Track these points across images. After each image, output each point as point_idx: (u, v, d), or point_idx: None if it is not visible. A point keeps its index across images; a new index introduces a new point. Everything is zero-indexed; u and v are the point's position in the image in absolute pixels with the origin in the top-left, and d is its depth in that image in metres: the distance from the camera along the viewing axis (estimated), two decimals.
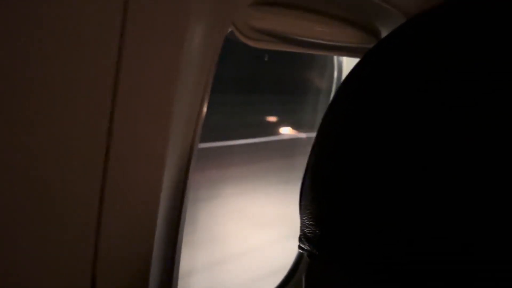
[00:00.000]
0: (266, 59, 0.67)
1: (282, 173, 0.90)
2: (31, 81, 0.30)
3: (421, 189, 0.20)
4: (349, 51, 0.61)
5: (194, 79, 0.40)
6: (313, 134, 0.91)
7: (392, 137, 0.21)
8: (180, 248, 0.48)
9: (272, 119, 0.88)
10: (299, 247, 0.27)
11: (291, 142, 0.93)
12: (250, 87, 0.79)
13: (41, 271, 0.35)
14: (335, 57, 0.83)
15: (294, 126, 0.92)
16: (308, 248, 0.26)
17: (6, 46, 0.28)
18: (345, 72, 0.83)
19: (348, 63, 0.82)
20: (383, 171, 0.21)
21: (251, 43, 0.45)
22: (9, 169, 0.31)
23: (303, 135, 0.93)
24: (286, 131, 0.91)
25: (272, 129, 0.89)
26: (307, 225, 0.26)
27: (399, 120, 0.21)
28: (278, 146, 0.91)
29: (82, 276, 0.37)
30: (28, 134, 0.31)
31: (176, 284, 0.49)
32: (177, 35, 0.36)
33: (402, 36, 0.25)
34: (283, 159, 0.92)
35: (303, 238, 0.27)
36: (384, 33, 0.62)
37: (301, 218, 0.28)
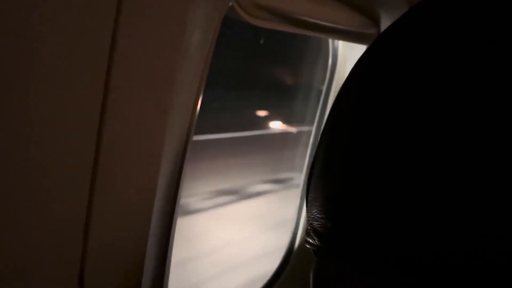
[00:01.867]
0: (262, 42, 0.65)
1: (269, 167, 0.89)
2: (21, 66, 0.28)
3: (441, 182, 0.19)
4: (348, 36, 0.60)
5: (194, 59, 0.39)
6: (304, 128, 0.90)
7: (407, 125, 0.20)
8: (173, 238, 0.47)
9: (263, 112, 0.87)
10: (306, 241, 0.26)
11: (281, 136, 0.92)
12: (240, 80, 0.77)
13: (31, 257, 0.33)
14: (330, 46, 0.82)
15: (287, 119, 0.91)
16: (317, 243, 0.24)
17: None
18: (340, 61, 0.82)
19: (343, 51, 0.81)
20: (401, 162, 0.20)
21: (251, 21, 0.43)
22: None
23: (294, 128, 0.92)
24: (278, 124, 0.90)
25: (263, 122, 0.88)
26: (317, 218, 0.24)
27: (412, 109, 0.20)
28: (268, 140, 0.90)
29: (71, 268, 0.36)
30: (18, 123, 0.29)
31: (168, 274, 0.48)
32: (179, 10, 0.34)
33: (412, 22, 0.24)
34: (272, 153, 0.91)
35: (311, 232, 0.25)
36: (384, 18, 0.61)
37: (309, 211, 0.26)
